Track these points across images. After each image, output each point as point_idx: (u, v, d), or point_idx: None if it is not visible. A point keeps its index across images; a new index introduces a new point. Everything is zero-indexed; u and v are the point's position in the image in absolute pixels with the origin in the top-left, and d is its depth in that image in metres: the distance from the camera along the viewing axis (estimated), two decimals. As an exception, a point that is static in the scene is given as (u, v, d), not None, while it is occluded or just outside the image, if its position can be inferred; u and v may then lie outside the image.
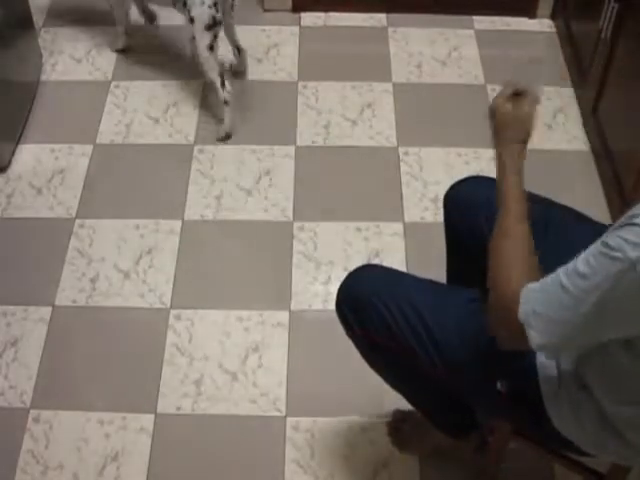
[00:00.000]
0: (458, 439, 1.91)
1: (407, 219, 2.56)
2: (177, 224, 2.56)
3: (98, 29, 3.22)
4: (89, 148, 2.79)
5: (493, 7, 3.28)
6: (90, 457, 2.04)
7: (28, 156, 2.77)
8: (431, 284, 1.65)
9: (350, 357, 1.76)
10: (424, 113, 2.93)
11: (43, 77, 3.03)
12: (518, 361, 1.47)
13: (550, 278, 1.25)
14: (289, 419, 2.11)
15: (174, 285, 2.40)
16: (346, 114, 2.91)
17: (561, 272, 1.23)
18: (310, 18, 3.30)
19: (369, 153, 2.79)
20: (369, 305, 1.61)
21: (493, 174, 2.59)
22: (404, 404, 1.86)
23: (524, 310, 1.25)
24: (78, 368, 2.23)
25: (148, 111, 2.92)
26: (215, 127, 2.83)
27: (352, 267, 1.74)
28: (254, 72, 3.07)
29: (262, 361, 2.23)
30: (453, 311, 1.56)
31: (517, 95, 1.51)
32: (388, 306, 1.58)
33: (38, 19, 3.21)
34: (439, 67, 3.10)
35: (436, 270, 1.83)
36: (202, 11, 2.61)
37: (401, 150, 2.79)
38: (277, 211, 2.60)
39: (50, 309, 2.35)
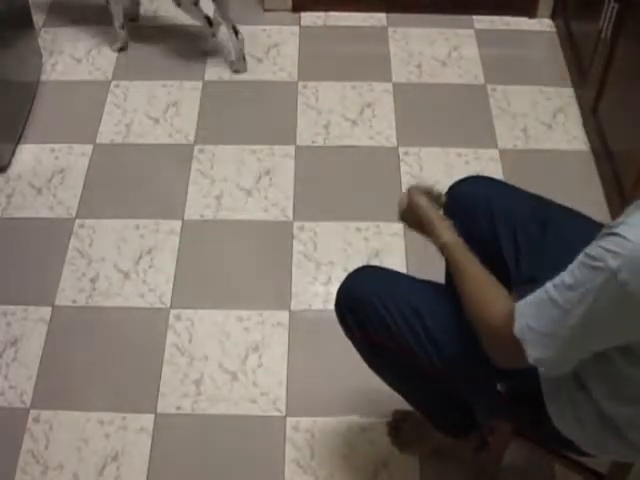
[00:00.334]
0: (458, 439, 1.91)
1: (407, 219, 2.56)
2: (177, 224, 2.56)
3: (98, 29, 3.22)
4: (89, 148, 2.79)
5: (493, 7, 3.28)
6: (90, 457, 2.05)
7: (28, 156, 2.77)
8: (430, 284, 1.65)
9: (350, 357, 1.76)
10: (424, 113, 2.93)
11: (43, 77, 3.03)
12: None
13: (541, 291, 1.27)
14: (289, 419, 2.11)
15: (174, 285, 2.40)
16: (346, 114, 2.91)
17: (551, 285, 1.25)
18: (310, 18, 3.30)
19: (369, 153, 2.79)
20: (368, 305, 1.61)
21: (493, 174, 2.61)
22: (404, 404, 1.86)
23: (519, 325, 1.28)
24: (78, 368, 2.23)
25: (148, 111, 2.92)
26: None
27: (352, 267, 1.74)
28: (254, 72, 3.07)
29: (262, 361, 2.23)
30: (452, 311, 1.56)
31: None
32: (387, 306, 1.58)
33: (38, 19, 3.21)
34: (439, 67, 3.10)
35: (436, 270, 1.83)
36: None
37: (401, 150, 2.79)
38: (277, 211, 2.60)
39: (50, 309, 2.35)
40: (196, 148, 2.80)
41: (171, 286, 2.40)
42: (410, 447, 2.03)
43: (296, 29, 3.25)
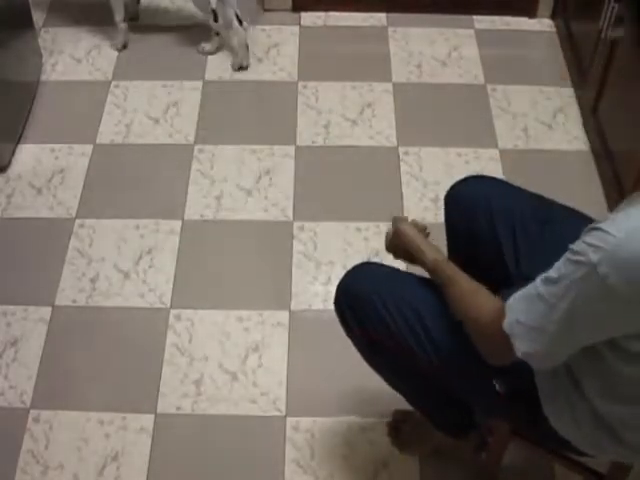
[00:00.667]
0: (458, 439, 1.91)
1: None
2: (177, 224, 2.56)
3: (98, 29, 3.22)
4: (89, 148, 2.79)
5: (493, 7, 3.28)
6: (90, 457, 2.05)
7: (28, 156, 2.77)
8: (430, 283, 1.65)
9: (350, 357, 1.76)
10: (424, 113, 2.93)
11: (43, 77, 3.03)
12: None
13: (530, 286, 1.29)
14: (289, 419, 2.11)
15: (174, 285, 2.40)
16: (346, 114, 2.91)
17: (539, 280, 1.27)
18: (310, 18, 3.30)
19: (369, 153, 2.79)
20: (368, 303, 1.61)
21: (493, 174, 2.60)
22: (404, 404, 1.86)
23: (509, 320, 1.30)
24: (78, 368, 2.23)
25: (148, 111, 2.92)
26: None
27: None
28: (254, 72, 3.07)
29: (262, 361, 2.23)
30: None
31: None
32: (387, 305, 1.58)
33: (38, 19, 3.21)
34: (439, 67, 3.10)
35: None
36: None
37: (401, 150, 2.79)
38: (277, 211, 2.60)
39: (50, 309, 2.35)
40: (196, 148, 2.80)
41: (171, 286, 2.40)
42: (410, 447, 2.03)
43: (296, 29, 3.25)
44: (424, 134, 2.84)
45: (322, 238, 2.52)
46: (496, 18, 3.29)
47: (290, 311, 2.34)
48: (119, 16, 3.06)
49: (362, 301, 1.63)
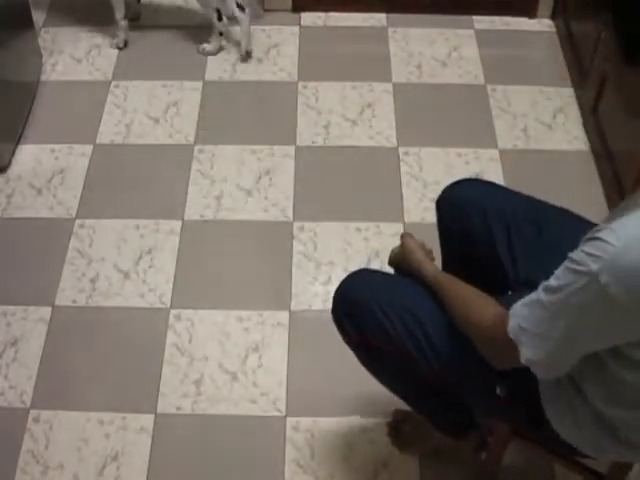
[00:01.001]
0: (458, 439, 1.91)
1: (407, 219, 2.56)
2: (177, 224, 2.56)
3: (98, 29, 3.22)
4: (89, 148, 2.79)
5: (493, 7, 3.28)
6: (90, 457, 2.05)
7: (28, 156, 2.77)
8: (429, 290, 1.63)
9: (350, 357, 1.76)
10: (424, 113, 2.93)
11: (43, 77, 3.03)
12: None
13: (533, 294, 1.29)
14: (289, 419, 2.11)
15: (174, 285, 2.40)
16: (346, 114, 2.91)
17: (541, 287, 1.28)
18: (310, 18, 3.30)
19: (369, 153, 2.79)
20: (366, 309, 1.60)
21: (493, 174, 2.61)
22: (404, 404, 1.86)
23: (512, 325, 1.30)
24: (78, 368, 2.23)
25: (148, 111, 2.92)
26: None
27: (352, 267, 1.75)
28: (254, 72, 3.07)
29: (262, 361, 2.23)
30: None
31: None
32: (385, 311, 1.58)
33: (38, 19, 3.21)
34: (439, 67, 3.10)
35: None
36: None
37: (401, 150, 2.79)
38: (277, 211, 2.60)
39: (50, 309, 2.35)
40: (196, 148, 2.80)
41: (171, 286, 2.40)
42: (410, 447, 2.03)
43: (296, 29, 3.25)
44: (424, 134, 2.84)
45: (322, 238, 2.52)
46: (496, 18, 3.29)
47: (290, 311, 2.34)
48: (119, 14, 3.06)
49: (360, 307, 1.62)
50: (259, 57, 3.13)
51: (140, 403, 2.15)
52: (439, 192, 1.87)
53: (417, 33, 3.22)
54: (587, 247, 1.19)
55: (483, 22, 3.28)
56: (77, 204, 2.62)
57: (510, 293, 1.65)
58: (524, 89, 3.00)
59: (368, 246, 2.49)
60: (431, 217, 2.53)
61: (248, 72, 3.07)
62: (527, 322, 1.28)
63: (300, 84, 3.02)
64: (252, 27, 3.21)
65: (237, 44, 3.12)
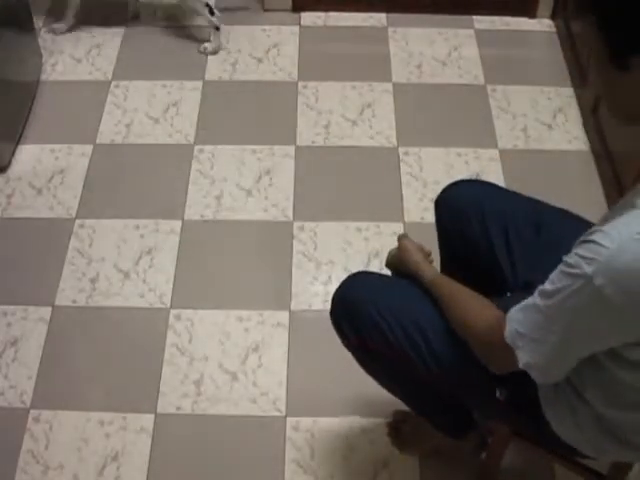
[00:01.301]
0: (458, 439, 1.91)
1: (407, 219, 2.57)
2: (177, 224, 2.56)
3: (98, 29, 3.22)
4: (89, 148, 2.79)
5: (493, 7, 3.28)
6: (90, 457, 2.05)
7: (28, 156, 2.77)
8: (428, 294, 1.62)
9: (350, 357, 1.75)
10: (424, 113, 2.93)
11: (43, 77, 3.03)
12: None
13: (529, 298, 1.29)
14: (289, 419, 2.11)
15: (174, 285, 2.40)
16: (346, 114, 2.91)
17: (536, 292, 1.28)
18: (310, 18, 3.30)
19: (369, 153, 2.79)
20: (364, 313, 1.60)
21: (493, 174, 2.61)
22: (404, 405, 1.86)
23: (509, 330, 1.31)
24: (78, 368, 2.23)
25: (148, 111, 2.92)
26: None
27: (352, 267, 1.75)
28: (254, 72, 3.07)
29: (262, 361, 2.23)
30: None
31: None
32: (384, 315, 1.58)
33: (38, 19, 3.21)
34: (439, 67, 3.10)
35: (436, 270, 1.82)
36: None
37: (401, 150, 2.79)
38: (277, 211, 2.60)
39: (50, 309, 2.35)
40: (196, 148, 2.80)
41: (171, 286, 2.40)
42: (410, 447, 2.03)
43: (296, 29, 3.25)
44: (424, 134, 2.84)
45: (322, 238, 2.52)
46: (496, 18, 3.29)
47: (290, 311, 2.34)
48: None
49: (358, 310, 1.62)
50: (259, 57, 3.13)
51: (140, 403, 2.15)
52: (439, 192, 1.87)
53: (417, 33, 3.22)
54: (581, 250, 1.19)
55: (483, 22, 3.28)
56: (77, 204, 2.62)
57: (509, 295, 1.65)
58: (524, 89, 3.00)
59: (368, 246, 2.49)
60: (431, 217, 2.51)
61: (248, 72, 3.07)
62: (523, 327, 1.28)
63: (300, 84, 3.02)
64: (252, 27, 3.22)
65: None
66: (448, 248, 1.85)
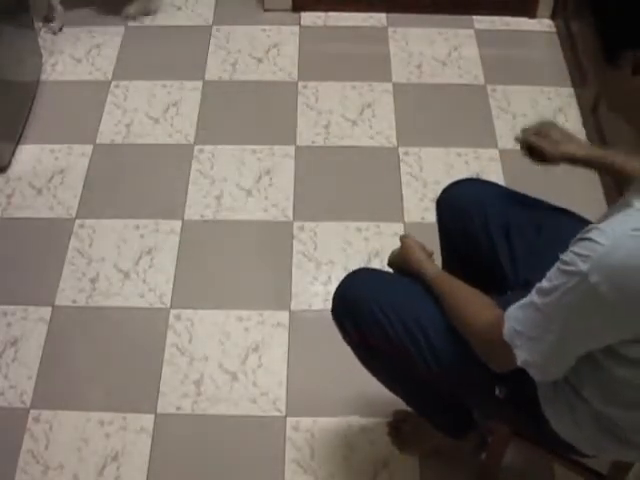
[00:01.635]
0: (458, 439, 1.91)
1: (407, 219, 2.57)
2: (177, 224, 2.56)
3: (98, 29, 3.22)
4: (89, 148, 2.79)
5: (493, 7, 3.28)
6: (90, 457, 2.05)
7: (28, 156, 2.77)
8: (429, 291, 1.63)
9: (350, 357, 1.76)
10: (424, 113, 2.93)
11: (43, 77, 3.03)
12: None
13: (527, 296, 1.30)
14: (289, 419, 2.11)
15: (174, 285, 2.40)
16: (346, 114, 2.91)
17: (534, 290, 1.28)
18: (310, 18, 3.30)
19: (369, 153, 2.79)
20: (366, 310, 1.60)
21: (493, 174, 2.61)
22: (404, 404, 1.86)
23: (507, 328, 1.31)
24: (78, 368, 2.23)
25: (148, 111, 2.92)
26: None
27: (352, 267, 1.74)
28: (254, 72, 3.07)
29: (262, 361, 2.23)
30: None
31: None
32: (385, 312, 1.58)
33: (38, 19, 3.21)
34: (439, 67, 3.10)
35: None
36: None
37: (401, 150, 2.79)
38: (277, 211, 2.60)
39: (50, 309, 2.35)
40: (196, 148, 2.80)
41: (171, 286, 2.40)
42: (410, 447, 2.03)
43: (296, 29, 3.25)
44: (424, 134, 2.84)
45: (322, 238, 2.52)
46: (496, 18, 3.29)
47: (290, 311, 2.34)
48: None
49: (360, 307, 1.62)
50: (259, 57, 3.13)
51: (140, 403, 2.15)
52: (439, 192, 1.87)
53: (417, 33, 3.22)
54: (577, 248, 1.19)
55: (483, 22, 3.28)
56: (77, 204, 2.62)
57: (509, 293, 1.65)
58: (524, 89, 3.00)
59: (368, 246, 2.49)
60: (431, 217, 2.53)
61: (248, 72, 3.07)
62: (521, 325, 1.29)
63: (300, 84, 3.02)
64: (252, 27, 3.22)
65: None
66: (449, 247, 1.86)
